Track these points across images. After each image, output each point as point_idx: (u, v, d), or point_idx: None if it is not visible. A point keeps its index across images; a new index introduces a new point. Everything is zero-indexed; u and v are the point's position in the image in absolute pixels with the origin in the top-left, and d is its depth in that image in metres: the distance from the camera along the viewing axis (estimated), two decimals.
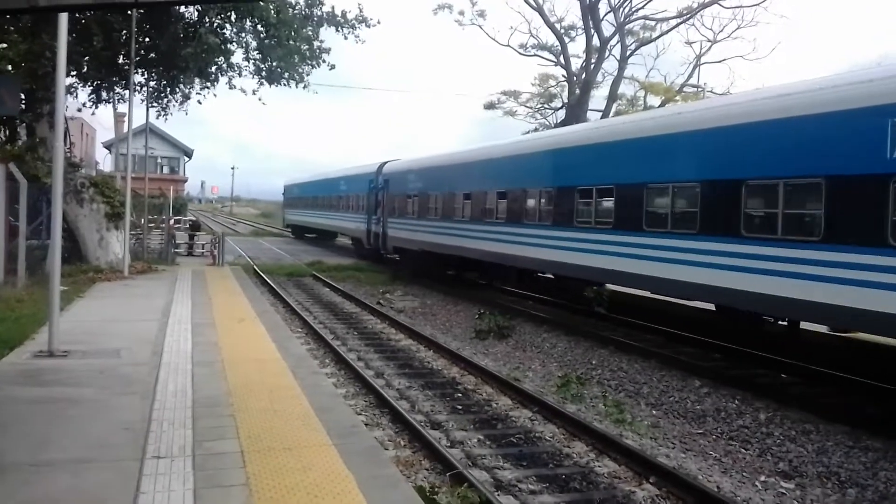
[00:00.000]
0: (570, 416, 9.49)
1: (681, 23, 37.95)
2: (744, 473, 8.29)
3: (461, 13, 39.94)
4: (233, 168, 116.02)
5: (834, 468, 8.36)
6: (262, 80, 22.97)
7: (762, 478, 8.18)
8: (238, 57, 23.01)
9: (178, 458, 5.92)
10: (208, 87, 23.86)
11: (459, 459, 7.81)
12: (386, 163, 30.62)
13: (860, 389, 10.89)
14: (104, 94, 23.73)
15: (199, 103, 25.02)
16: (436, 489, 6.91)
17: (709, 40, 39.43)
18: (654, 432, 9.63)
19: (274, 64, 22.44)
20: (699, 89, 40.07)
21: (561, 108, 42.50)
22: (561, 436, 9.05)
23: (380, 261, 30.68)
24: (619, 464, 8.02)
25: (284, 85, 23.04)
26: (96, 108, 24.52)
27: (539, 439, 8.93)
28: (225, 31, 22.04)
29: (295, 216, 51.93)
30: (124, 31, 20.31)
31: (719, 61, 44.61)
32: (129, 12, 19.12)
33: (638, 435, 9.35)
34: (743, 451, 9.11)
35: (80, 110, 27.27)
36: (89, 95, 23.56)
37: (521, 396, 10.64)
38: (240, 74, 23.21)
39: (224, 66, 22.84)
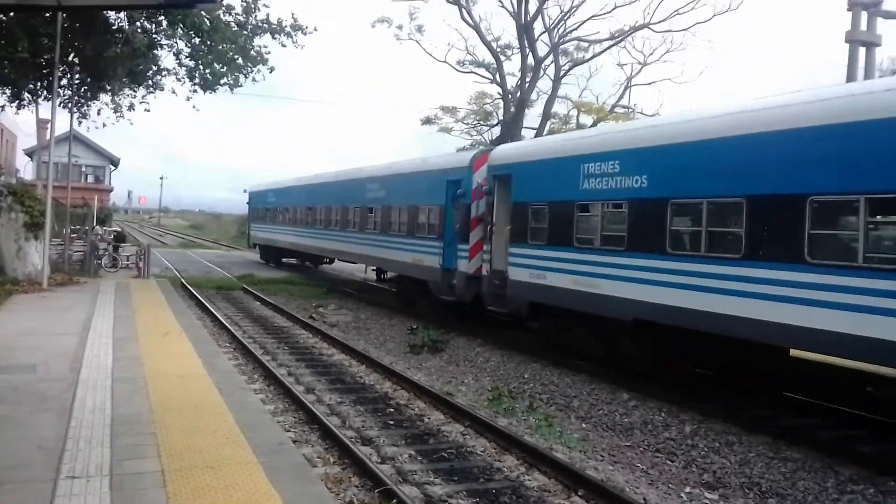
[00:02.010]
0: (501, 430, 9.51)
1: (613, 45, 38.88)
2: (669, 485, 8.46)
3: (399, 27, 39.97)
4: (161, 178, 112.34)
5: (756, 479, 8.61)
6: (196, 88, 22.48)
7: (687, 489, 8.36)
8: (171, 62, 22.56)
9: (95, 478, 5.69)
10: (151, 92, 23.24)
11: (390, 475, 7.72)
12: (488, 152, 17.65)
13: (781, 402, 11.29)
14: (26, 97, 22.81)
15: (147, 111, 24.24)
16: None
17: (639, 63, 40.44)
18: (583, 445, 9.75)
19: (207, 71, 21.99)
20: (630, 110, 41.10)
21: (496, 124, 42.96)
22: (492, 450, 9.05)
23: (461, 314, 18.68)
24: (549, 477, 8.07)
25: (221, 89, 22.59)
26: (17, 112, 23.62)
27: (470, 454, 8.91)
28: (155, 36, 21.52)
29: (267, 233, 38.17)
30: (49, 36, 19.60)
31: (649, 83, 45.76)
32: (54, 15, 18.49)
33: (568, 448, 9.44)
34: (669, 462, 9.30)
35: (2, 109, 26.11)
36: (8, 99, 22.62)
37: (453, 411, 10.62)
38: (178, 79, 22.69)
39: (152, 69, 22.22)
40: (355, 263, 28.22)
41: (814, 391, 11.33)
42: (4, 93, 22.40)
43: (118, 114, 23.94)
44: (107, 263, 25.77)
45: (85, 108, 24.01)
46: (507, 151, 17.20)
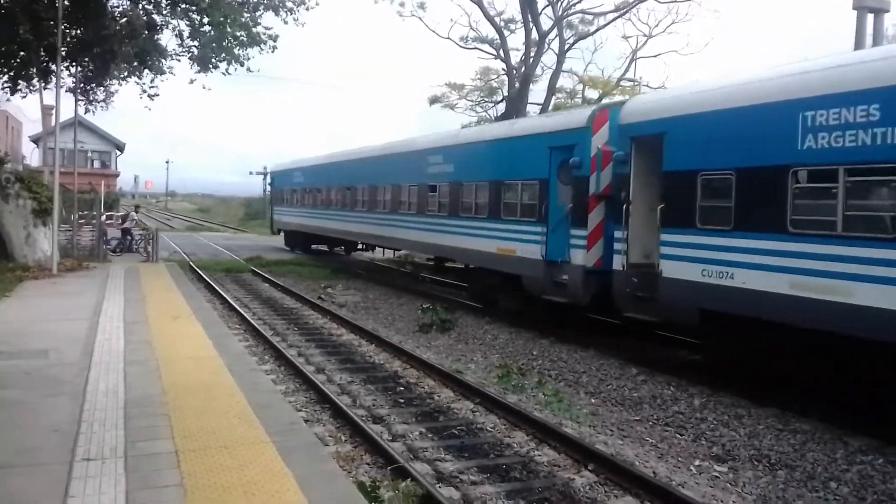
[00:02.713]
0: (510, 407, 9.57)
1: (617, 17, 38.50)
2: (679, 458, 8.50)
3: (402, 4, 39.65)
4: (167, 162, 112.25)
5: (765, 451, 8.64)
6: (199, 69, 22.37)
7: (696, 462, 8.40)
8: (172, 43, 22.43)
9: (110, 460, 5.76)
10: (159, 74, 23.09)
11: (401, 453, 7.79)
12: (610, 108, 13.97)
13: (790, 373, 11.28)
14: (21, 85, 22.72)
15: (153, 97, 23.82)
16: (377, 483, 6.87)
17: (645, 35, 40.15)
18: (592, 420, 9.80)
19: (207, 50, 21.83)
20: (636, 83, 40.79)
21: (501, 101, 42.73)
22: (502, 426, 9.11)
23: (571, 320, 15.11)
24: (558, 452, 8.13)
25: (221, 69, 22.45)
26: (11, 96, 23.57)
27: (480, 430, 8.97)
28: (154, 15, 21.43)
29: (294, 217, 34.55)
30: (52, 20, 19.53)
31: (655, 56, 45.38)
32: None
33: (577, 423, 9.49)
34: (678, 436, 9.34)
35: (9, 100, 26.17)
36: (7, 85, 22.58)
37: (462, 388, 10.68)
38: (175, 57, 22.58)
39: (155, 52, 22.10)
40: (405, 251, 24.91)
41: None
42: (5, 81, 22.35)
43: (112, 94, 23.77)
44: (141, 249, 26.06)
45: (91, 93, 23.93)
46: (654, 103, 12.89)
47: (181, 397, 7.61)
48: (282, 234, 37.61)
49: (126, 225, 29.32)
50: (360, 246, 30.72)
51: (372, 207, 24.70)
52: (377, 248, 29.25)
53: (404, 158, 22.29)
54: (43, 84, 22.77)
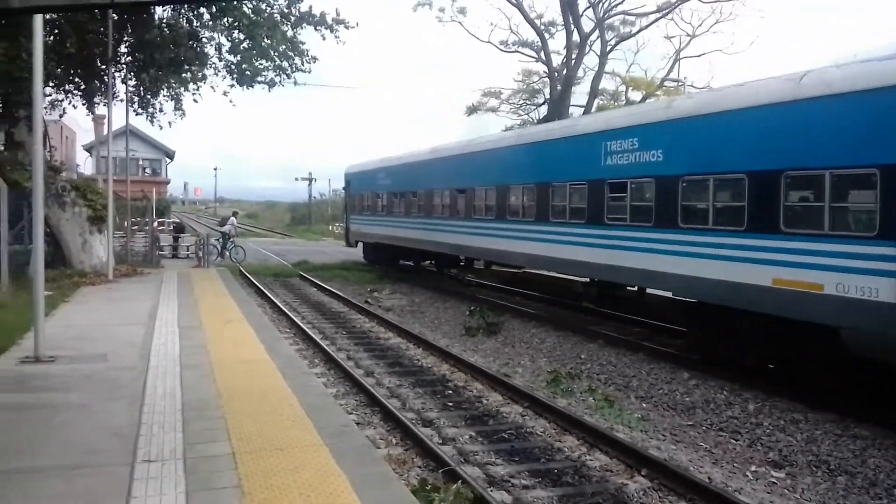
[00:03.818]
0: (560, 411, 9.51)
1: (660, 17, 38.08)
2: (734, 464, 8.35)
3: (441, 10, 39.82)
4: (215, 169, 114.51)
5: (823, 456, 8.43)
6: (234, 83, 22.77)
7: (753, 468, 8.24)
8: (211, 54, 22.85)
9: (169, 462, 5.88)
10: (197, 84, 23.63)
11: (451, 456, 7.80)
12: None
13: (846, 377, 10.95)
14: (82, 100, 23.45)
15: (195, 101, 24.66)
16: (429, 486, 6.89)
17: (688, 35, 39.62)
18: (644, 425, 9.67)
19: (245, 67, 22.24)
20: (680, 83, 40.23)
21: (543, 104, 42.55)
22: (552, 430, 9.06)
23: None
24: (610, 457, 8.05)
25: (259, 85, 22.87)
26: (88, 112, 24.36)
27: (530, 434, 8.93)
28: (197, 26, 21.88)
29: (378, 227, 28.76)
30: (101, 34, 20.09)
31: (699, 55, 44.94)
32: (106, 13, 18.96)
33: (629, 428, 9.38)
34: (733, 441, 9.17)
35: (61, 117, 26.97)
36: (67, 102, 23.34)
37: (511, 392, 10.65)
38: (216, 72, 23.05)
39: (196, 59, 22.56)
40: (558, 273, 18.06)
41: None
42: (67, 95, 23.02)
43: (178, 110, 24.35)
44: (168, 254, 26.79)
45: (145, 102, 24.53)
46: None
47: (236, 400, 7.74)
48: (359, 246, 32.22)
49: (225, 228, 30.96)
50: (461, 261, 25.82)
51: (501, 215, 18.87)
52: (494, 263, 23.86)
53: (558, 147, 16.57)
54: (97, 97, 23.48)
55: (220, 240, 30.63)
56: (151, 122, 24.71)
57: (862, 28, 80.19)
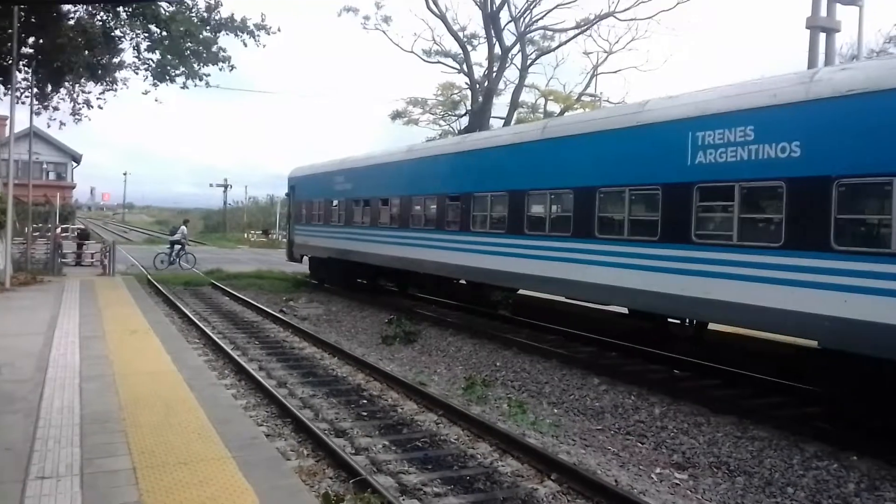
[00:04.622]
0: (474, 418, 9.57)
1: (579, 34, 39.12)
2: (640, 466, 8.61)
3: (366, 17, 39.74)
4: (125, 174, 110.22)
5: (724, 458, 8.79)
6: (155, 81, 22.09)
7: (657, 470, 8.51)
8: (129, 55, 22.13)
9: (65, 478, 5.61)
10: (110, 89, 22.78)
11: (364, 466, 7.74)
12: None
13: (747, 382, 11.51)
14: None
15: (100, 108, 23.84)
16: (340, 497, 6.81)
17: (605, 51, 40.84)
18: (555, 430, 9.86)
19: (167, 58, 21.59)
20: (596, 98, 41.38)
21: (464, 115, 42.97)
22: (466, 437, 9.11)
23: None
24: (521, 462, 8.16)
25: (178, 82, 22.22)
26: None
27: (444, 442, 8.96)
28: (112, 25, 21.12)
29: (336, 240, 24.25)
30: (3, 28, 19.12)
31: (615, 71, 46.33)
32: (10, 9, 18.05)
33: (540, 433, 9.54)
34: (639, 444, 9.45)
35: None
36: None
37: (426, 400, 10.66)
38: (135, 70, 22.29)
39: (112, 63, 21.77)
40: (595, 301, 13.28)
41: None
42: None
43: (77, 115, 23.46)
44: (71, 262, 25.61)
45: (46, 102, 23.46)
46: None
47: (139, 413, 7.46)
48: (304, 261, 28.43)
49: (176, 237, 31.58)
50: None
51: (536, 227, 14.14)
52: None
53: (602, 141, 12.51)
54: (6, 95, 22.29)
55: (171, 247, 31.31)
56: (49, 119, 23.72)
57: (776, 46, 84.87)
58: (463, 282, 18.60)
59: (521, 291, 16.40)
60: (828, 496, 7.66)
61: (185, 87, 22.27)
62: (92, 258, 28.07)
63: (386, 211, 20.86)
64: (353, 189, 23.54)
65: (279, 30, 22.18)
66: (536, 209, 14.34)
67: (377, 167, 21.97)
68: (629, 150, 11.85)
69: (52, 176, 59.97)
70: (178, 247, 31.37)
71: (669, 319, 12.20)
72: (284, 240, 51.45)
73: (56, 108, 23.68)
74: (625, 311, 13.17)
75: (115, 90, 23.15)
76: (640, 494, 7.36)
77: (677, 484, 8.09)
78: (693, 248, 10.44)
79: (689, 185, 10.51)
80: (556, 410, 11.01)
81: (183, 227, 32.95)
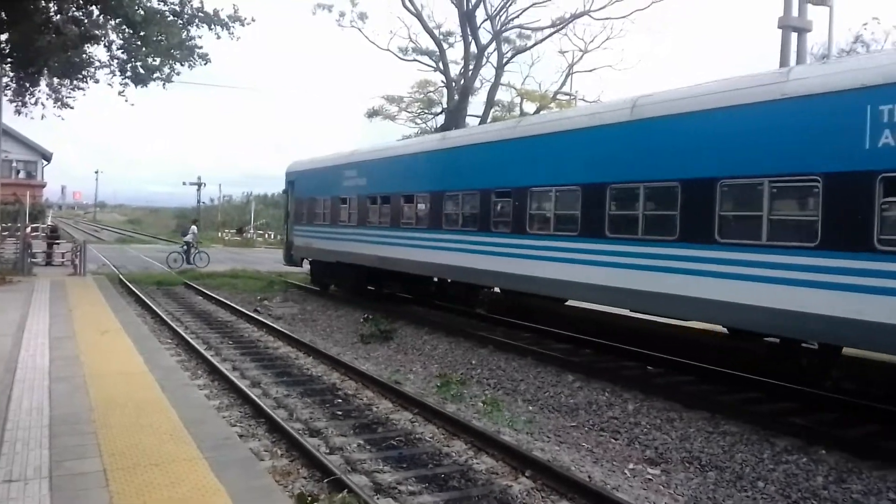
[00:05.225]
0: (449, 416, 9.59)
1: (554, 32, 39.24)
2: (614, 462, 8.68)
3: (341, 14, 39.52)
4: (97, 172, 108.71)
5: (696, 453, 8.89)
6: (128, 82, 21.83)
7: (630, 465, 8.59)
8: (102, 53, 21.84)
9: (34, 481, 5.54)
10: (79, 88, 22.49)
11: (338, 465, 7.72)
12: None
13: (719, 379, 11.65)
14: None
15: (71, 107, 23.56)
16: (314, 497, 6.79)
17: (581, 50, 41.01)
18: (530, 427, 9.91)
19: (139, 64, 21.37)
20: (572, 97, 41.58)
21: (440, 113, 42.95)
22: (441, 435, 9.12)
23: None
24: (496, 459, 8.19)
25: (154, 83, 22.01)
26: None
27: (419, 440, 8.96)
28: (86, 25, 20.80)
29: (343, 243, 21.57)
30: None
31: (590, 70, 46.57)
32: None
33: (515, 430, 9.58)
34: (613, 440, 9.53)
35: None
36: None
37: (401, 399, 10.65)
38: (110, 71, 21.99)
39: (85, 62, 21.48)
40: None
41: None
42: None
43: (57, 104, 23.15)
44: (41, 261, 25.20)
45: (20, 99, 23.10)
46: None
47: (110, 414, 7.37)
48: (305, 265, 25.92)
49: (187, 238, 32.35)
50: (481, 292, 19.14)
51: (588, 227, 12.14)
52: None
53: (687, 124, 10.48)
54: None
55: (184, 247, 32.03)
56: (26, 114, 23.37)
57: (749, 45, 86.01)
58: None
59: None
60: (797, 489, 7.78)
61: (165, 88, 22.15)
62: (62, 258, 27.67)
63: (412, 209, 18.15)
64: (368, 184, 20.44)
65: (253, 20, 21.94)
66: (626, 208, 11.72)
67: (401, 159, 19.20)
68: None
69: (21, 174, 59.04)
70: (193, 247, 32.16)
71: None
72: (259, 239, 50.92)
73: (35, 103, 23.31)
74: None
75: (85, 90, 22.86)
76: (613, 490, 7.42)
77: (650, 479, 8.17)
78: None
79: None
80: (530, 408, 11.06)
81: (193, 227, 33.68)
